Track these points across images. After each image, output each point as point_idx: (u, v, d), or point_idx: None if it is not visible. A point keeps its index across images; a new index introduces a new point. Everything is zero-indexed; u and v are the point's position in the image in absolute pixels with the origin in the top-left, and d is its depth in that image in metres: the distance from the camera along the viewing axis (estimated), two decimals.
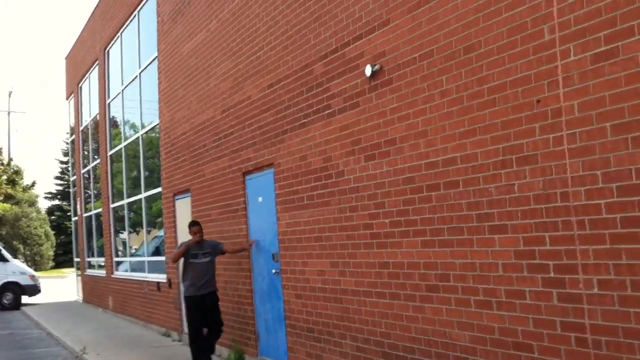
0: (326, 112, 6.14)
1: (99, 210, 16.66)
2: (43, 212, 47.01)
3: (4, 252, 18.88)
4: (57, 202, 48.37)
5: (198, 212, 9.52)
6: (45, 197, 49.70)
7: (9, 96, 60.23)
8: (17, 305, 18.30)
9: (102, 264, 16.34)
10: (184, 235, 10.12)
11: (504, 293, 4.17)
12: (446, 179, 4.63)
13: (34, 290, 19.05)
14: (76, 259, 20.70)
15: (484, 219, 4.30)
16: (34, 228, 42.65)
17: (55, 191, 49.07)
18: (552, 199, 3.79)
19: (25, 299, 19.09)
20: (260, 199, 7.68)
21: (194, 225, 8.03)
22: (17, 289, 18.50)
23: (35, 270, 41.81)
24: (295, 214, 6.74)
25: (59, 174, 47.25)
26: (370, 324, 5.54)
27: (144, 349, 9.79)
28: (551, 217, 3.80)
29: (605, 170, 3.48)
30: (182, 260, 8.19)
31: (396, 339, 5.22)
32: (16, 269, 18.75)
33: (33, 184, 49.37)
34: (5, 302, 18.34)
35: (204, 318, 7.84)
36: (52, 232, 44.66)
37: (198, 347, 7.81)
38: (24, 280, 18.67)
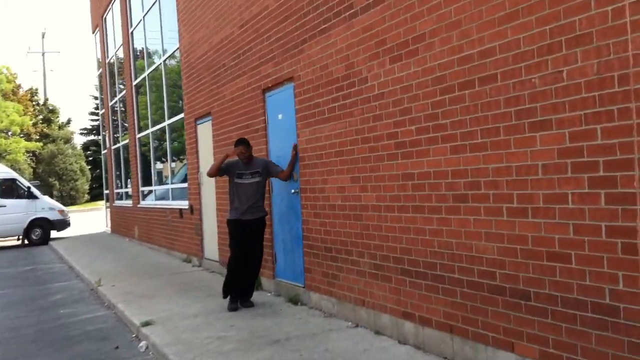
0: (348, 12, 5.49)
1: (127, 141, 16.36)
2: (79, 147, 47.42)
3: (34, 189, 18.82)
4: (92, 137, 48.45)
5: (218, 135, 9.04)
6: (81, 133, 50.01)
7: (43, 37, 60.33)
8: (45, 240, 18.33)
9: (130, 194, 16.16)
10: (205, 163, 9.70)
11: (542, 198, 3.60)
12: (482, 73, 4.01)
13: (63, 224, 19.04)
14: (106, 192, 20.64)
15: (524, 115, 3.69)
16: (70, 164, 43.11)
17: (90, 127, 49.19)
18: (608, 84, 3.17)
19: (56, 233, 19.14)
20: (280, 116, 7.14)
21: (239, 144, 6.72)
22: (46, 225, 18.49)
23: (71, 204, 42.64)
24: (316, 128, 6.19)
25: (93, 110, 47.20)
26: (391, 240, 5.05)
27: (162, 276, 9.49)
28: (606, 105, 3.19)
29: None
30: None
31: (417, 254, 4.72)
32: (45, 205, 18.70)
33: (68, 121, 49.73)
34: (34, 237, 18.38)
35: (246, 245, 6.68)
36: (87, 167, 45.11)
37: (233, 280, 6.69)
38: (52, 216, 18.64)
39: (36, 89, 47.96)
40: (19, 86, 44.14)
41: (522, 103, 3.71)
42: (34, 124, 44.68)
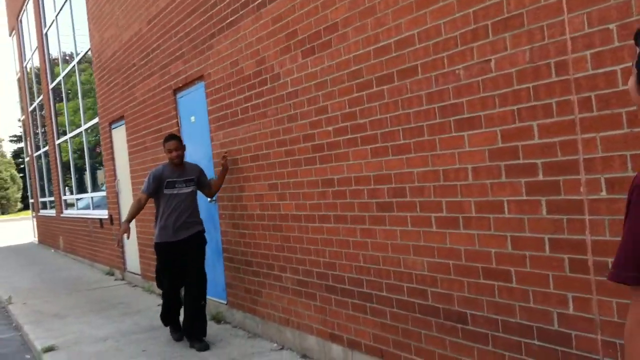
0: (256, 2, 4.79)
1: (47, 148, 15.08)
2: (9, 155, 44.75)
3: None
4: (22, 144, 45.72)
5: (133, 140, 8.17)
6: (11, 140, 47.12)
7: None
8: None
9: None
10: (122, 169, 8.80)
11: (474, 206, 3.04)
12: (401, 66, 3.41)
13: None
14: (31, 200, 19.17)
15: (449, 112, 3.12)
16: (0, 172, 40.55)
17: (20, 133, 46.37)
18: (544, 73, 2.62)
19: None
20: (192, 118, 6.37)
21: (170, 139, 5.30)
22: None
23: (2, 213, 40.10)
24: (230, 131, 5.48)
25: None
26: (313, 254, 4.41)
27: (80, 292, 8.56)
28: (542, 98, 2.64)
29: (625, 21, 2.30)
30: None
31: (342, 269, 4.11)
32: None
33: None
34: None
35: (182, 273, 5.27)
36: (18, 175, 42.60)
37: (174, 307, 5.49)
38: None
39: None
40: None
41: (446, 98, 3.13)
42: None
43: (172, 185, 5.24)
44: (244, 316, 5.56)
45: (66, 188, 13.80)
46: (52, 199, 15.43)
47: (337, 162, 4.06)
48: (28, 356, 5.85)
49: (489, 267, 3.00)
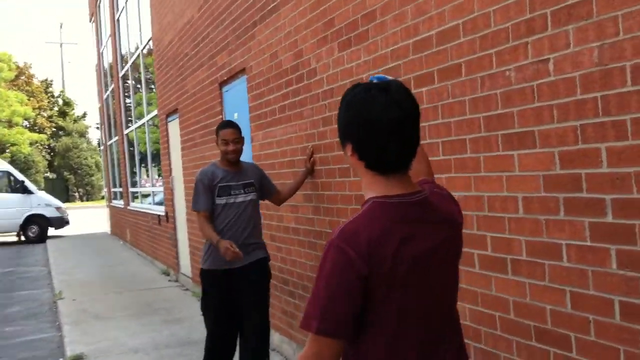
0: None
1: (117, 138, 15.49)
2: (94, 142, 47.15)
3: (28, 183, 18.07)
4: None
5: (184, 134, 8.02)
6: (97, 128, 49.65)
7: (60, 28, 60.15)
8: (42, 237, 17.58)
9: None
10: (176, 164, 8.71)
11: (525, 247, 2.46)
12: (442, 64, 2.86)
13: (60, 222, 18.27)
14: (105, 190, 19.89)
15: (496, 124, 2.54)
16: (84, 159, 42.81)
17: None
18: (617, 80, 2.01)
19: (56, 230, 18.44)
20: (235, 115, 6.06)
21: (226, 126, 4.08)
22: (42, 221, 17.75)
23: (88, 200, 42.37)
24: (268, 132, 5.10)
25: None
26: None
27: (130, 291, 8.58)
28: (614, 114, 2.03)
29: None
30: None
31: None
32: (42, 201, 17.91)
33: (84, 115, 49.34)
34: (31, 234, 17.67)
35: (235, 313, 4.05)
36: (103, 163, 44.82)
37: None
38: (49, 212, 17.87)
39: (51, 81, 47.68)
40: (32, 76, 43.90)
41: (493, 107, 2.56)
42: (49, 117, 44.49)
43: (227, 191, 3.96)
44: (281, 340, 5.19)
45: (133, 180, 14.09)
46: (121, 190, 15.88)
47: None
48: None
49: (542, 327, 2.43)
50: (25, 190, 17.69)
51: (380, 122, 1.43)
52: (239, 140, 4.03)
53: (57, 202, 18.73)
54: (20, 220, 17.40)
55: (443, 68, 2.86)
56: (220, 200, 3.97)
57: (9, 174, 17.81)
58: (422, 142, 2.76)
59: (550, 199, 2.33)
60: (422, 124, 2.72)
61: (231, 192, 3.99)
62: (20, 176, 18.07)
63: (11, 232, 17.88)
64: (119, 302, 7.88)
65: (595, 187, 2.14)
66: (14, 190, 17.65)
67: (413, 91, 3.02)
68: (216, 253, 3.88)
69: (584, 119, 2.15)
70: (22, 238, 17.87)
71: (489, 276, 2.69)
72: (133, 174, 13.97)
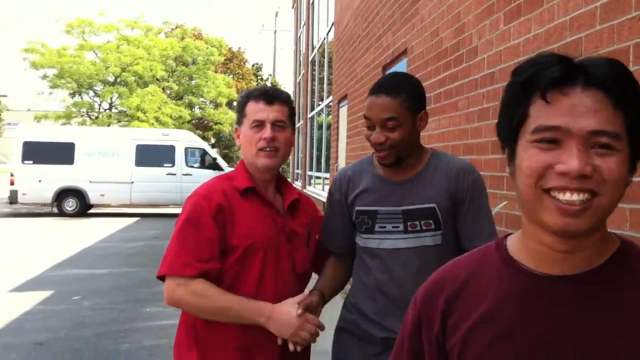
0: None
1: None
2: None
3: (220, 160, 19.09)
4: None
5: (350, 122, 7.47)
6: None
7: (276, 16, 63.79)
8: None
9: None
10: (342, 152, 8.22)
11: None
12: (638, 36, 1.87)
13: None
14: (297, 171, 20.26)
15: None
16: None
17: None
18: None
19: None
20: None
21: (378, 92, 1.75)
22: None
23: None
24: None
25: None
26: None
27: None
28: None
29: None
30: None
31: None
32: None
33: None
34: None
35: None
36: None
37: None
38: None
39: (261, 64, 50.71)
40: (244, 60, 46.98)
41: None
42: None
43: (371, 226, 1.87)
44: None
45: (312, 163, 14.01)
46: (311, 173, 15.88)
47: None
48: None
49: None
50: (217, 167, 18.72)
51: None
52: (404, 121, 1.79)
53: None
54: None
55: None
56: (362, 241, 1.81)
57: (204, 151, 18.99)
58: None
59: None
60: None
61: (374, 226, 1.86)
62: (213, 153, 19.18)
63: None
64: None
65: None
66: (206, 166, 18.78)
67: None
68: (354, 312, 2.25)
69: None
70: None
71: None
72: (312, 159, 13.90)
